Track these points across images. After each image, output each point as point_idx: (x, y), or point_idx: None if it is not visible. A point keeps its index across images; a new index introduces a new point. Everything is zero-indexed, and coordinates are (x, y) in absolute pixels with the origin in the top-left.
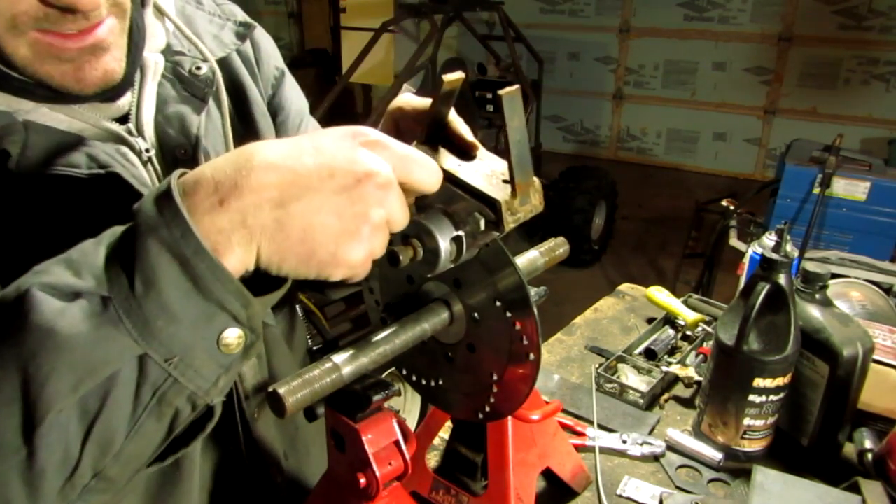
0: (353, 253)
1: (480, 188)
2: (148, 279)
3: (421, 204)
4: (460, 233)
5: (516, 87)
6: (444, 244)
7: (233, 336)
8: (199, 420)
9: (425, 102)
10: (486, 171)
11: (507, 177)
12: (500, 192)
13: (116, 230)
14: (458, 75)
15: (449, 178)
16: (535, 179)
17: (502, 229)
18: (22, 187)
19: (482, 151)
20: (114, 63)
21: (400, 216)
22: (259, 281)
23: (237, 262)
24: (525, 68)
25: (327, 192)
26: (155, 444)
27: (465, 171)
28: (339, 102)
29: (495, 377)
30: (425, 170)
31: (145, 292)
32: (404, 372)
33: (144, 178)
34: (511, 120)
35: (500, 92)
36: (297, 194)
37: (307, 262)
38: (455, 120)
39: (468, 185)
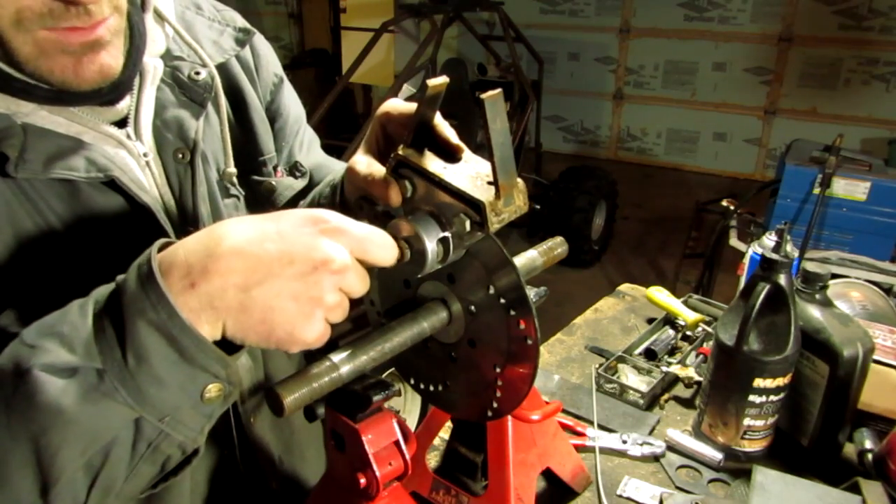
0: (307, 333)
1: (465, 190)
2: (139, 355)
3: (408, 207)
4: (447, 234)
5: (498, 90)
6: (431, 245)
7: (214, 390)
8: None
9: (411, 107)
10: (470, 174)
11: (491, 179)
12: (484, 194)
13: (99, 296)
14: (442, 80)
15: (434, 180)
16: (519, 181)
17: (487, 230)
18: (20, 190)
19: (467, 154)
20: (110, 59)
21: (358, 289)
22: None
23: (206, 334)
24: (525, 68)
25: (286, 278)
26: (148, 480)
27: (450, 173)
28: (339, 103)
29: (498, 370)
30: (381, 248)
31: (137, 365)
32: (412, 381)
33: (143, 182)
34: (493, 123)
35: (483, 96)
36: (259, 280)
37: (267, 339)
38: (441, 123)
39: (453, 188)
